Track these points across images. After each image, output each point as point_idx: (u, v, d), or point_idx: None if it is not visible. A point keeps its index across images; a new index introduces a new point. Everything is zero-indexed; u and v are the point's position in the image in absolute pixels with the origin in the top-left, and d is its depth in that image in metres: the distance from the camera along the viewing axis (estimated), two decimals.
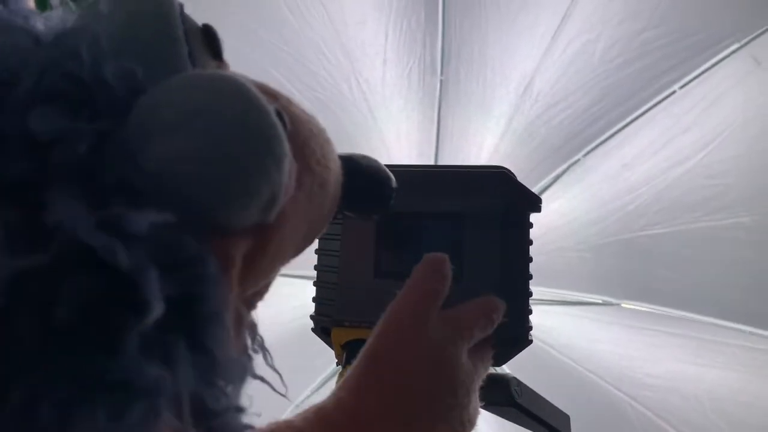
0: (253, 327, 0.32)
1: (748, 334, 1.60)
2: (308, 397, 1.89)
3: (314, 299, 0.54)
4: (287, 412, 2.00)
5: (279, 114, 0.26)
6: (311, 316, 0.55)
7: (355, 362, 0.38)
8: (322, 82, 1.69)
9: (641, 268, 1.76)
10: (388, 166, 0.44)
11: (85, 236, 0.19)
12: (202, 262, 0.23)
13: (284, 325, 1.66)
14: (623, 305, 1.79)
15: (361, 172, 0.38)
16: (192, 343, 0.23)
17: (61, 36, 0.24)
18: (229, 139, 0.23)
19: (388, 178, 0.42)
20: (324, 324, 0.53)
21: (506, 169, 0.52)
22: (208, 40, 0.29)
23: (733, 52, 1.52)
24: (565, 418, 0.55)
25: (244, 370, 0.28)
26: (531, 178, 1.77)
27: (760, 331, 1.59)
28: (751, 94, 1.55)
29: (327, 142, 0.32)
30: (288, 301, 1.62)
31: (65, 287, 0.19)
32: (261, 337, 0.32)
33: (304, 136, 0.30)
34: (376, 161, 0.42)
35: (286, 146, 0.25)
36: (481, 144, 1.82)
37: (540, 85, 1.68)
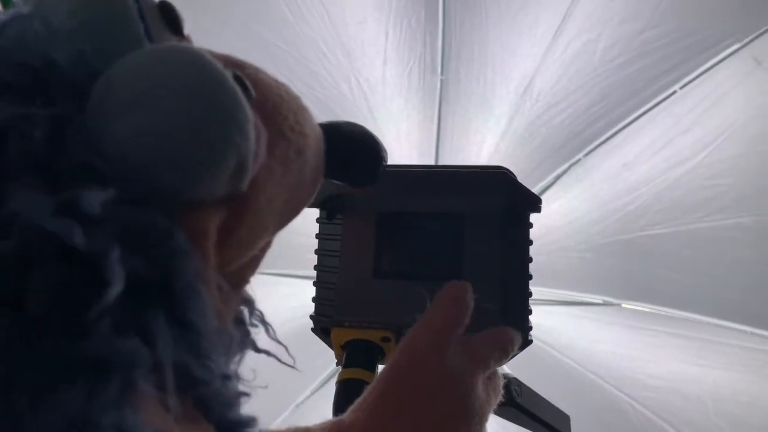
0: (249, 302, 0.32)
1: (749, 334, 1.60)
2: (308, 397, 1.89)
3: (314, 299, 0.54)
4: (287, 411, 1.99)
5: (240, 80, 0.26)
6: (311, 316, 0.54)
7: (373, 383, 0.38)
8: (322, 81, 1.69)
9: (642, 269, 1.75)
10: (387, 167, 0.43)
11: (41, 222, 0.19)
12: (171, 236, 0.23)
13: (283, 325, 1.65)
14: (624, 305, 1.79)
15: (344, 139, 0.37)
16: (172, 317, 0.23)
17: (8, 24, 0.23)
18: (188, 110, 0.23)
19: (375, 143, 0.41)
20: (324, 324, 0.53)
21: (506, 169, 0.52)
22: (166, 15, 0.28)
23: (734, 52, 1.52)
24: (566, 419, 0.55)
25: (230, 340, 0.28)
26: (532, 177, 1.77)
27: (761, 332, 1.58)
28: (752, 95, 1.55)
29: (302, 108, 0.32)
30: (288, 301, 1.62)
31: (31, 274, 0.20)
32: (260, 312, 0.33)
33: (273, 102, 0.30)
34: (362, 127, 0.41)
35: (248, 112, 0.25)
36: (481, 143, 1.82)
37: (540, 84, 1.68)
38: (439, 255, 0.51)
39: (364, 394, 0.37)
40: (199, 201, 0.25)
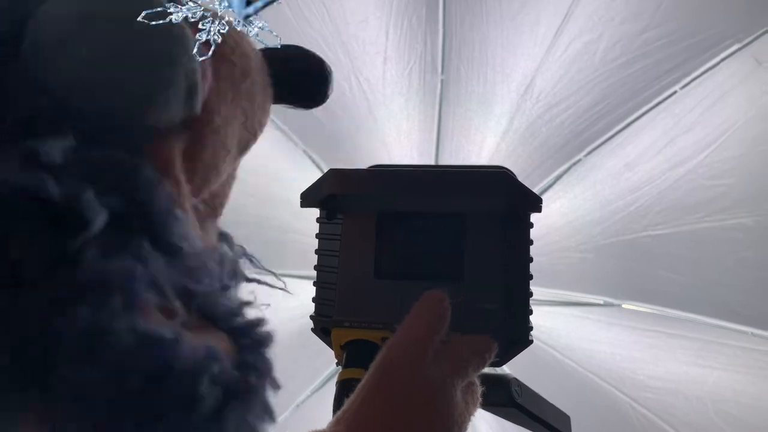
0: (226, 236, 0.33)
1: (750, 335, 1.60)
2: (309, 396, 1.89)
3: (314, 299, 0.54)
4: (288, 411, 1.99)
5: (176, 2, 0.25)
6: (311, 317, 0.54)
7: (353, 395, 0.38)
8: None
9: (643, 269, 1.75)
10: (387, 167, 0.43)
11: (13, 179, 0.20)
12: (138, 169, 0.23)
13: (283, 325, 1.65)
14: (624, 306, 1.79)
15: (285, 59, 0.37)
16: (156, 242, 0.24)
17: None
18: (130, 38, 0.22)
19: (317, 63, 0.41)
20: (324, 324, 0.53)
21: (507, 169, 0.52)
22: None
23: (735, 52, 1.52)
24: (566, 419, 0.55)
25: (220, 257, 0.29)
26: (533, 177, 1.76)
27: (762, 332, 1.58)
28: (753, 95, 1.55)
29: (236, 31, 0.31)
30: (287, 301, 1.62)
31: (12, 228, 0.20)
32: (241, 246, 0.34)
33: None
34: (302, 48, 0.41)
35: (189, 32, 0.25)
36: (481, 143, 1.82)
37: (542, 84, 1.67)
38: (440, 256, 0.50)
39: (345, 406, 0.37)
40: (159, 130, 0.25)
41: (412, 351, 0.38)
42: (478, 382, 0.43)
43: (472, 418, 0.40)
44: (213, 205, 0.32)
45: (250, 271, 0.35)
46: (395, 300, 0.48)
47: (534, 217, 0.51)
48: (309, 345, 1.51)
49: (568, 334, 1.86)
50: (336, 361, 0.51)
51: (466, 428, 0.38)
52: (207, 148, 0.28)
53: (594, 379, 1.82)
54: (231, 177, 0.33)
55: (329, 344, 0.52)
